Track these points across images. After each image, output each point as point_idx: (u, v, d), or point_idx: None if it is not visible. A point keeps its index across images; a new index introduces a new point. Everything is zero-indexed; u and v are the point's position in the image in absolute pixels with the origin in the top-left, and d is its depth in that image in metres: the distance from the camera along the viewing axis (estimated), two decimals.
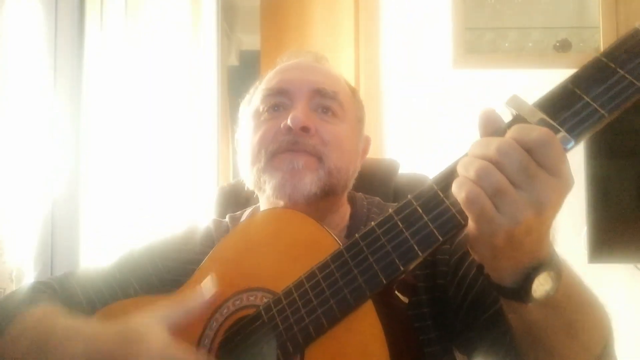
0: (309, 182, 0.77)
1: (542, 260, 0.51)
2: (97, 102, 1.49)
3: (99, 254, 1.43)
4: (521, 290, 0.51)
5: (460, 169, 0.50)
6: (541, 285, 0.51)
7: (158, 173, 1.59)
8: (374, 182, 1.02)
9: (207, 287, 0.62)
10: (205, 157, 1.72)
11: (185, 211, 1.61)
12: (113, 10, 1.54)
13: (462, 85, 1.91)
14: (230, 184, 1.13)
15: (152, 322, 0.59)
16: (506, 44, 2.11)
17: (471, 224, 0.50)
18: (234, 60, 3.20)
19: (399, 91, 1.98)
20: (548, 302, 0.52)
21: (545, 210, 0.47)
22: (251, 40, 2.97)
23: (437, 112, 1.92)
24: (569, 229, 1.79)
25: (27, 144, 1.39)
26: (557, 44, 2.01)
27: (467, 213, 0.49)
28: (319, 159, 0.79)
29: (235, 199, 1.03)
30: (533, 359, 0.63)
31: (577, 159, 1.80)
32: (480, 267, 0.56)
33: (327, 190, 0.79)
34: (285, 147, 0.78)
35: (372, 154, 2.03)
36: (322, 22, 2.16)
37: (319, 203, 0.78)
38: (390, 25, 2.01)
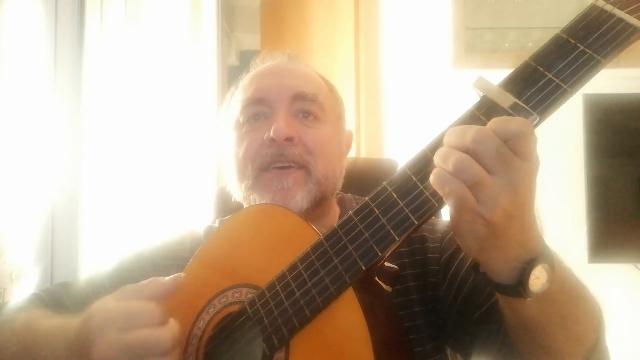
0: (300, 200, 0.77)
1: (535, 253, 0.52)
2: (97, 102, 1.49)
3: (99, 254, 1.43)
4: (518, 286, 0.52)
5: (438, 161, 0.50)
6: (537, 279, 0.52)
7: (158, 173, 1.59)
8: (373, 182, 1.01)
9: (173, 279, 0.60)
10: (205, 158, 1.72)
11: (185, 211, 1.60)
12: (113, 10, 1.54)
13: (462, 85, 1.90)
14: (229, 190, 1.13)
15: (108, 301, 0.58)
16: (506, 44, 2.11)
17: (452, 214, 0.50)
18: (234, 60, 3.20)
19: (399, 91, 1.98)
20: (543, 295, 0.53)
21: (518, 193, 0.47)
22: (251, 40, 2.98)
23: (437, 112, 1.92)
24: (569, 229, 1.79)
25: (27, 144, 1.39)
26: None
27: (448, 205, 0.50)
28: (306, 169, 0.79)
29: (235, 199, 1.03)
30: (527, 353, 0.63)
31: (577, 159, 1.80)
32: (475, 266, 0.56)
33: (318, 201, 0.79)
34: (270, 160, 0.78)
35: (372, 154, 2.03)
36: (322, 22, 2.16)
37: (311, 214, 0.78)
38: (390, 25, 2.01)
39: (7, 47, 1.37)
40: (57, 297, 0.82)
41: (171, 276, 0.60)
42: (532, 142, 0.48)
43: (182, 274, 0.61)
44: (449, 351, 0.81)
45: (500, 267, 0.53)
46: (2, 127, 1.35)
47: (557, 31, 0.54)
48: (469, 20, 2.02)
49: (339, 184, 0.87)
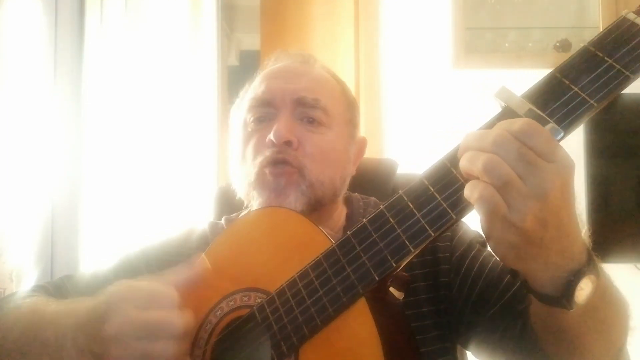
0: (293, 200, 0.77)
1: (580, 264, 0.50)
2: (97, 102, 1.49)
3: (99, 254, 1.43)
4: (563, 298, 0.50)
5: (465, 163, 0.49)
6: (582, 290, 0.50)
7: (158, 173, 1.59)
8: (373, 182, 1.02)
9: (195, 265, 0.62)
10: (205, 157, 1.72)
11: (185, 211, 1.60)
12: (113, 10, 1.54)
13: (462, 85, 1.90)
14: (230, 184, 1.13)
15: (130, 282, 0.59)
16: (506, 44, 2.11)
17: (483, 223, 0.49)
18: (234, 60, 3.20)
19: (399, 91, 1.98)
20: (586, 304, 0.51)
21: (549, 197, 0.46)
22: (251, 40, 2.97)
23: (437, 112, 1.92)
24: None
25: (27, 144, 1.39)
26: (557, 44, 2.01)
27: (479, 212, 0.48)
28: (300, 171, 0.78)
29: (235, 199, 1.03)
30: (558, 355, 0.62)
31: (577, 159, 1.79)
32: (513, 273, 0.55)
33: (313, 204, 0.79)
34: (270, 158, 0.78)
35: (372, 154, 2.03)
36: (322, 22, 2.16)
37: (309, 217, 0.77)
38: (390, 26, 2.01)
39: (7, 47, 1.37)
40: (61, 289, 0.82)
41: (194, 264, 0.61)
42: (546, 140, 0.47)
43: (204, 259, 0.61)
44: (459, 351, 0.81)
45: (541, 277, 0.51)
46: (2, 127, 1.35)
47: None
48: (469, 20, 2.02)
49: (341, 192, 0.86)
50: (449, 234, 0.81)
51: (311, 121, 0.81)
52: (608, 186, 1.78)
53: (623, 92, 0.51)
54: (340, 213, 0.88)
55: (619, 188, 1.79)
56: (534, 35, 2.09)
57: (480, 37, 2.11)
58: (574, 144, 1.77)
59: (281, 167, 0.78)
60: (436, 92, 1.95)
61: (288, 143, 0.78)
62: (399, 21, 2.02)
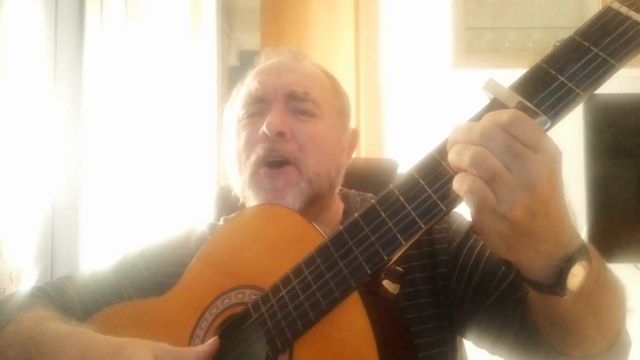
0: (292, 200, 0.78)
1: (571, 250, 0.50)
2: (97, 102, 1.49)
3: (99, 254, 1.43)
4: (556, 286, 0.51)
5: (452, 156, 0.49)
6: (574, 277, 0.51)
7: (158, 173, 1.59)
8: (373, 182, 1.02)
9: (209, 345, 0.61)
10: (205, 157, 1.72)
11: (185, 211, 1.60)
12: (113, 10, 1.54)
13: (462, 85, 1.90)
14: (230, 184, 1.13)
15: (145, 348, 0.59)
16: (506, 44, 2.11)
17: (473, 215, 0.49)
18: (234, 60, 3.20)
19: (399, 91, 1.98)
20: (579, 290, 0.52)
21: (536, 187, 0.46)
22: (251, 40, 2.97)
23: (437, 112, 1.92)
24: None
25: (27, 145, 1.39)
26: (557, 44, 2.00)
27: (468, 205, 0.48)
28: (298, 168, 0.79)
29: (235, 199, 1.03)
30: (556, 341, 0.63)
31: (577, 159, 1.79)
32: (507, 262, 0.55)
33: (311, 199, 0.80)
34: (264, 155, 0.79)
35: (372, 154, 2.03)
36: (322, 22, 2.16)
37: (307, 211, 0.78)
38: (390, 26, 2.01)
39: (7, 47, 1.37)
40: (61, 291, 0.82)
41: (207, 342, 0.61)
42: (533, 131, 0.47)
43: (217, 339, 0.62)
44: (458, 341, 0.81)
45: (533, 266, 0.52)
46: (2, 127, 1.35)
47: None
48: (469, 20, 2.02)
49: (337, 182, 0.86)
50: (445, 225, 0.81)
51: (303, 112, 0.82)
52: (608, 186, 1.78)
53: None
54: (337, 208, 0.89)
55: (619, 188, 1.79)
56: (534, 35, 2.09)
57: (480, 37, 2.11)
58: (574, 143, 1.78)
59: (278, 167, 0.79)
60: (436, 92, 1.95)
61: (281, 134, 0.79)
62: (398, 21, 2.01)
